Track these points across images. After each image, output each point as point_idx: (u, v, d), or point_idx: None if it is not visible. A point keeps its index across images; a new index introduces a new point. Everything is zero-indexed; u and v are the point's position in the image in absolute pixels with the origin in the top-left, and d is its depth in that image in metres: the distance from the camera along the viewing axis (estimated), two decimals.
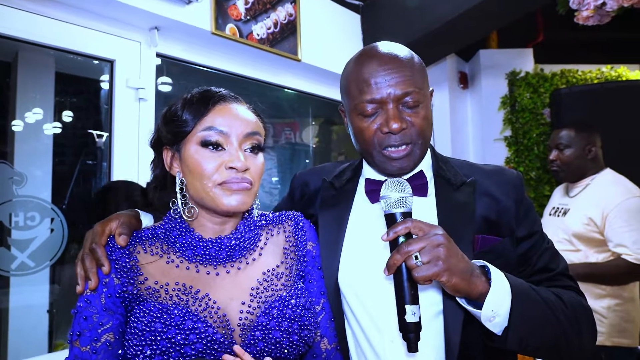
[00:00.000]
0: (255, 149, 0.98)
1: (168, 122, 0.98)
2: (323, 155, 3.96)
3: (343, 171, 1.24)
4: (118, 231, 0.95)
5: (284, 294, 0.97)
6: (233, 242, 0.99)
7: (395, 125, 0.99)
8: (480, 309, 0.87)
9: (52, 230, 1.97)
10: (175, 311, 0.88)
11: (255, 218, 1.07)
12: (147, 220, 1.08)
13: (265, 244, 1.06)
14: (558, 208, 2.40)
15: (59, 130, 2.24)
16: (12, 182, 1.87)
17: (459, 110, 4.22)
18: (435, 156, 1.16)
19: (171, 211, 1.01)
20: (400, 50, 1.06)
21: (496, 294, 0.87)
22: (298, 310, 0.95)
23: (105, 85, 2.23)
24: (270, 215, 1.13)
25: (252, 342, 0.91)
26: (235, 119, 0.95)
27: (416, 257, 0.84)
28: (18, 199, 1.90)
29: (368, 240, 1.08)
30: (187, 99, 0.98)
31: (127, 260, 0.93)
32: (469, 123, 4.36)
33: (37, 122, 2.17)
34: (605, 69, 4.14)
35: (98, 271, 0.92)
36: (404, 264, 0.86)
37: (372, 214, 1.11)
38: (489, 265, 0.91)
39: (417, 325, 0.86)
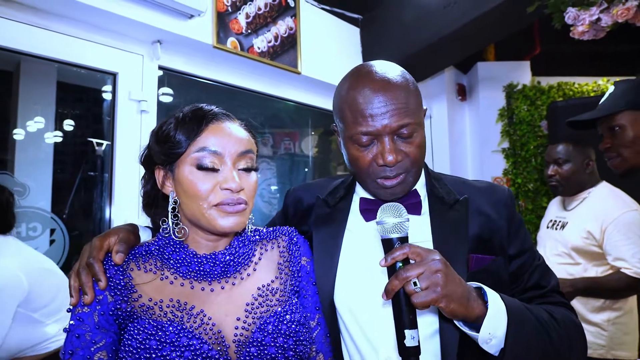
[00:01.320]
0: (249, 168, 0.98)
1: (160, 142, 0.97)
2: (322, 165, 3.98)
3: (336, 188, 1.24)
4: (115, 248, 0.94)
5: (279, 309, 0.97)
6: (227, 257, 0.99)
7: (390, 158, 0.99)
8: (477, 330, 0.88)
9: (53, 241, 1.98)
10: (170, 328, 0.87)
11: (249, 233, 1.06)
12: (145, 235, 1.07)
13: (260, 259, 1.06)
14: (556, 221, 2.41)
15: (59, 139, 2.25)
16: (14, 193, 1.89)
17: (457, 122, 4.25)
18: (429, 174, 1.17)
19: (161, 230, 1.00)
20: (395, 74, 1.03)
21: (493, 318, 0.88)
22: (293, 326, 0.95)
23: (106, 96, 2.25)
24: (264, 230, 1.13)
25: (248, 358, 0.90)
26: (228, 138, 0.95)
27: (415, 284, 0.85)
28: (20, 210, 1.91)
29: (363, 258, 1.09)
30: (179, 119, 0.96)
31: (121, 277, 0.92)
32: (467, 135, 4.39)
33: (38, 130, 2.18)
34: (602, 81, 4.18)
35: (94, 286, 0.90)
36: (402, 289, 0.87)
37: (367, 232, 1.12)
38: (485, 288, 0.92)
39: (417, 349, 0.87)
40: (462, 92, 4.37)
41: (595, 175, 2.34)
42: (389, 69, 1.04)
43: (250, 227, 1.06)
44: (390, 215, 0.92)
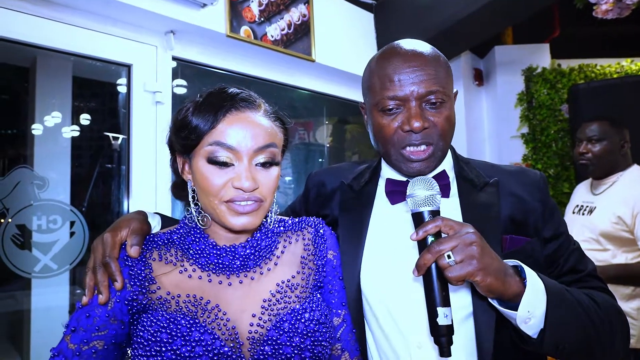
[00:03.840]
0: (268, 163, 0.91)
1: (177, 130, 0.94)
2: (337, 154, 3.95)
3: (361, 173, 1.21)
4: (129, 242, 0.92)
5: (297, 306, 0.92)
6: (247, 251, 0.95)
7: (417, 124, 0.97)
8: (514, 310, 0.85)
9: (73, 233, 2.00)
10: (183, 321, 0.84)
11: (271, 226, 1.02)
12: (155, 221, 1.05)
13: (283, 252, 1.01)
14: (582, 206, 2.33)
15: (77, 134, 2.27)
16: (34, 186, 1.91)
17: (474, 107, 4.18)
18: (456, 157, 1.14)
19: (185, 218, 0.98)
20: (426, 47, 1.04)
21: (531, 295, 0.84)
22: (312, 325, 0.90)
23: (122, 89, 2.25)
24: (290, 221, 1.08)
25: (262, 357, 0.86)
26: (245, 131, 0.88)
27: (448, 257, 0.81)
28: (40, 203, 1.94)
29: (390, 242, 1.06)
30: (197, 104, 0.92)
31: (142, 268, 0.91)
32: (485, 120, 4.31)
33: (55, 125, 2.20)
34: (625, 62, 4.05)
35: (109, 285, 0.88)
36: (433, 264, 0.83)
37: (393, 215, 1.09)
38: (523, 265, 0.88)
39: (450, 329, 0.83)
40: (479, 77, 4.29)
41: (628, 158, 2.26)
42: (421, 44, 1.05)
43: (274, 218, 1.02)
44: (422, 188, 0.89)
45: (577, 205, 2.39)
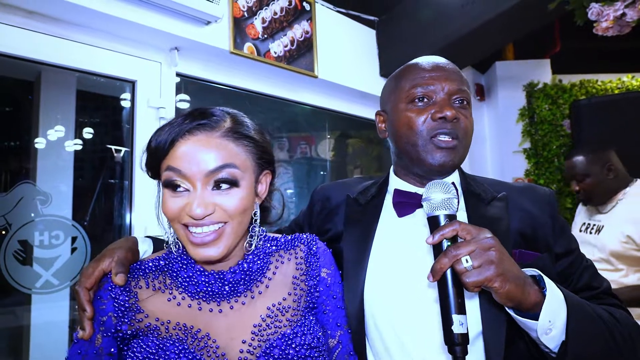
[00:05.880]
0: (226, 183, 0.86)
1: (145, 153, 0.93)
2: (339, 168, 3.96)
3: (368, 188, 1.21)
4: (114, 271, 0.90)
5: (288, 331, 0.90)
6: (238, 276, 0.92)
7: (449, 112, 1.00)
8: (534, 320, 0.82)
9: (75, 249, 2.00)
10: (172, 348, 0.83)
11: (263, 245, 0.99)
12: (145, 246, 1.04)
13: (274, 273, 0.98)
14: (590, 224, 2.30)
15: (79, 147, 2.28)
16: (37, 201, 1.91)
17: (476, 122, 4.11)
18: (463, 173, 1.14)
19: (167, 244, 0.97)
20: (452, 63, 1.10)
21: (552, 304, 0.81)
22: (302, 350, 0.87)
23: (125, 104, 2.27)
24: (282, 239, 1.04)
25: None
26: (196, 155, 0.84)
27: (466, 261, 0.78)
28: (43, 218, 1.94)
29: (396, 256, 1.05)
30: (158, 129, 0.90)
31: (126, 298, 0.89)
32: (487, 135, 4.32)
33: (58, 139, 2.21)
34: (626, 78, 4.07)
35: (97, 311, 0.87)
36: (449, 270, 0.81)
37: (400, 229, 1.08)
38: (542, 275, 0.85)
39: (465, 337, 0.79)
40: (481, 92, 4.31)
41: (624, 175, 2.24)
42: (441, 58, 1.11)
43: (262, 237, 0.99)
44: (438, 191, 0.87)
45: (584, 224, 2.35)
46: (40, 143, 2.16)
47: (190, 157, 0.84)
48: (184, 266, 0.93)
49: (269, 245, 1.01)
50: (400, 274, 1.02)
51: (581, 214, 2.44)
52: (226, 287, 0.92)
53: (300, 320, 0.94)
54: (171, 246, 0.93)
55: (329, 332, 0.99)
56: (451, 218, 0.86)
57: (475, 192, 1.08)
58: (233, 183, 0.87)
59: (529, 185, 1.11)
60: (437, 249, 0.84)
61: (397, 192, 1.10)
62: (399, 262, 1.04)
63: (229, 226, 0.87)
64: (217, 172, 0.85)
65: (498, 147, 4.17)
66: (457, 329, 0.79)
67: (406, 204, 1.07)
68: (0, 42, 1.78)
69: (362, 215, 1.14)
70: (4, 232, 1.84)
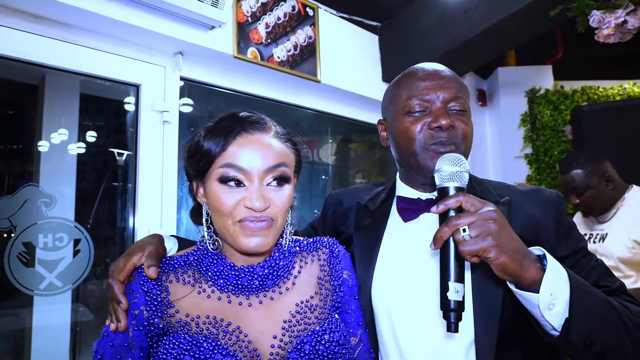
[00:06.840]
0: (280, 180, 0.92)
1: (190, 156, 0.96)
2: (341, 172, 3.97)
3: (377, 194, 1.24)
4: (146, 264, 0.93)
5: (317, 328, 0.93)
6: (266, 271, 0.96)
7: (444, 121, 1.01)
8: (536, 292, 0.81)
9: (77, 251, 2.01)
10: (205, 344, 0.85)
11: (289, 244, 1.02)
12: (170, 243, 1.06)
13: (299, 272, 1.02)
14: (592, 234, 2.29)
15: (83, 150, 2.29)
16: (42, 204, 1.92)
17: (477, 127, 4.20)
18: (469, 176, 1.15)
19: (200, 241, 0.99)
20: (447, 68, 1.12)
21: (553, 277, 0.81)
22: (332, 347, 0.91)
23: (129, 107, 2.28)
24: (305, 241, 1.08)
25: None
26: (255, 152, 0.90)
27: (464, 231, 0.80)
28: (47, 221, 1.95)
29: (401, 260, 1.08)
30: (208, 129, 0.94)
31: (158, 292, 0.91)
32: (488, 140, 4.33)
33: (62, 142, 2.22)
34: (628, 84, 4.07)
35: (129, 305, 0.90)
36: (451, 239, 0.82)
37: (406, 233, 1.10)
38: (545, 252, 0.85)
39: (460, 305, 0.81)
40: (482, 98, 4.32)
41: (620, 184, 2.24)
42: (440, 65, 1.13)
43: (289, 238, 1.02)
44: (449, 164, 0.89)
45: (586, 235, 2.34)
46: (43, 146, 2.17)
47: (250, 154, 0.89)
48: (214, 261, 0.96)
49: (292, 245, 1.05)
50: (405, 277, 1.05)
51: (581, 226, 2.43)
52: (256, 280, 0.95)
53: (328, 319, 0.97)
54: (206, 243, 0.96)
55: (351, 330, 1.03)
56: (459, 190, 0.88)
57: (479, 195, 1.08)
58: (286, 180, 0.93)
59: (535, 188, 1.11)
60: (443, 219, 0.86)
61: (400, 199, 1.13)
62: (404, 265, 1.06)
63: (276, 222, 0.92)
64: (275, 169, 0.91)
65: (499, 152, 4.18)
66: (452, 295, 0.81)
67: (410, 209, 1.09)
68: (5, 46, 1.80)
69: (370, 221, 1.18)
70: (7, 235, 1.85)
